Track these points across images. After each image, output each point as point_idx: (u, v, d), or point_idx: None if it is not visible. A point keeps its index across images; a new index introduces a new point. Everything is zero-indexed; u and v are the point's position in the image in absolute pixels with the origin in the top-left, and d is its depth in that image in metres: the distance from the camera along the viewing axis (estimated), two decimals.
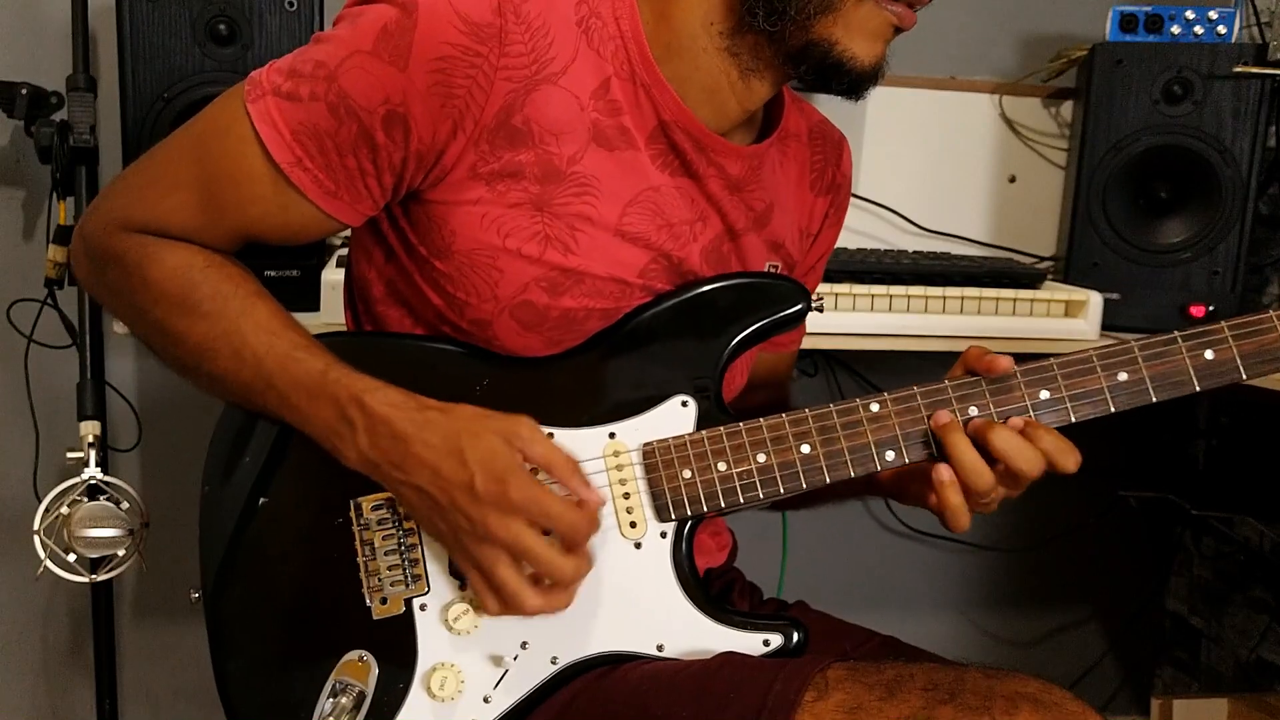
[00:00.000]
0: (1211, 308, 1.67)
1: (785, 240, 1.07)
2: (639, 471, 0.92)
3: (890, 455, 0.90)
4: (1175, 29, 1.69)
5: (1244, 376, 0.89)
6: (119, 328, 1.36)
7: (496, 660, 0.90)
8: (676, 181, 0.96)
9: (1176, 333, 0.89)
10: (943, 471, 0.88)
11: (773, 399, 0.92)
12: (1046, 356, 0.90)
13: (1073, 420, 0.89)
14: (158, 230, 0.91)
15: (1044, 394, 0.90)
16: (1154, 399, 0.89)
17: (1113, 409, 0.89)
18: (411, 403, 0.86)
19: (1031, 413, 0.89)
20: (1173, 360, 0.89)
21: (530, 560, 0.84)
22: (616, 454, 0.92)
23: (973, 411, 0.90)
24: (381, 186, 0.89)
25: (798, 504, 1.11)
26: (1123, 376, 0.89)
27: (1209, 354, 0.89)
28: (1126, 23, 1.71)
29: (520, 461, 0.84)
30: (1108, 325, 1.60)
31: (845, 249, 1.70)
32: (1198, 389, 0.89)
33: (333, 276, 1.39)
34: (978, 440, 0.88)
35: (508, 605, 0.85)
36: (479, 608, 0.89)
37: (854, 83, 0.91)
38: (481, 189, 0.89)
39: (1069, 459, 0.87)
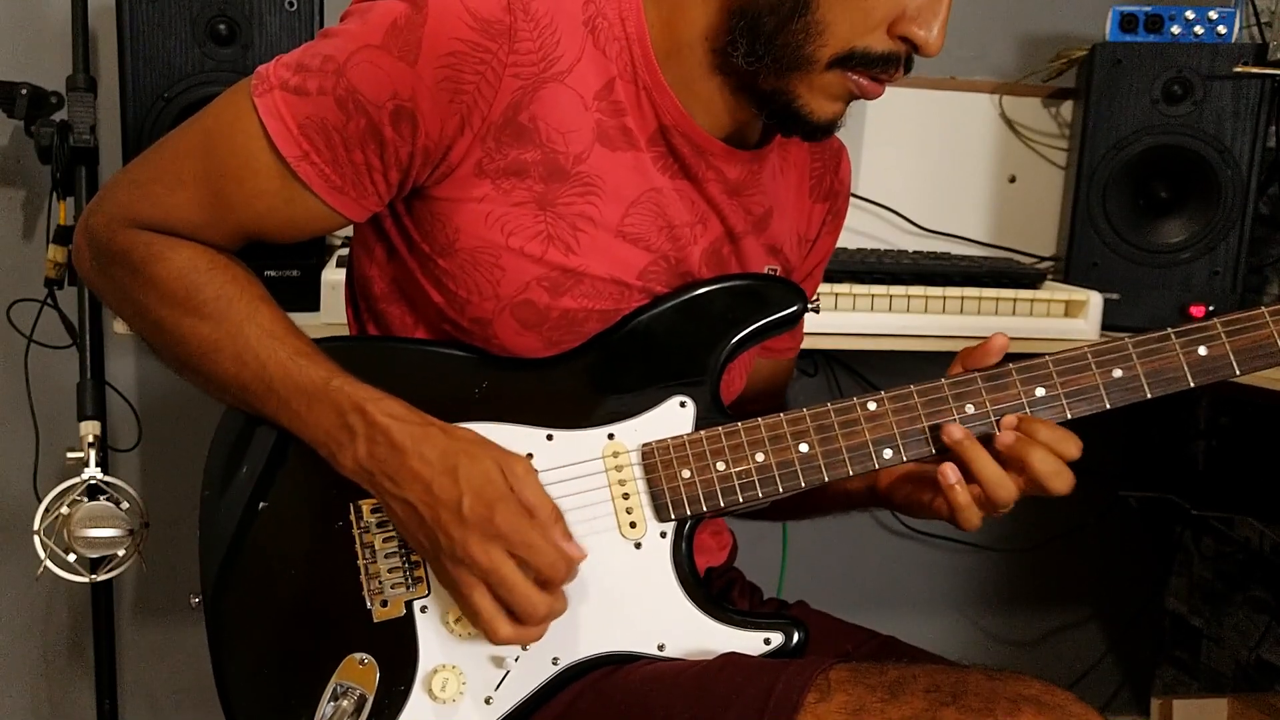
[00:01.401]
0: (1211, 308, 1.67)
1: (784, 245, 1.07)
2: (638, 472, 0.92)
3: (888, 454, 0.91)
4: (1175, 29, 1.69)
5: (1237, 372, 0.89)
6: (119, 327, 1.36)
7: (498, 661, 0.90)
8: (676, 184, 0.96)
9: (1170, 329, 0.90)
10: (949, 474, 0.88)
11: (770, 408, 0.93)
12: (1043, 355, 0.91)
13: (1069, 417, 0.90)
14: (163, 226, 0.91)
15: (1039, 391, 0.90)
16: (1149, 395, 0.89)
17: (1108, 405, 0.90)
18: (414, 416, 0.86)
19: (1028, 410, 0.90)
20: (1167, 357, 0.89)
21: (504, 590, 0.83)
22: (616, 454, 0.92)
23: (969, 409, 0.90)
24: (388, 182, 0.89)
25: (800, 513, 1.11)
26: (1117, 373, 0.89)
27: (1202, 350, 0.89)
28: (1126, 23, 1.70)
29: (511, 492, 0.84)
30: (1108, 325, 1.60)
31: (845, 249, 1.70)
32: (1192, 385, 0.89)
33: (333, 276, 1.39)
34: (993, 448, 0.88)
35: (480, 630, 0.86)
36: None
37: (809, 133, 0.94)
38: (487, 186, 0.89)
39: (1070, 445, 0.88)
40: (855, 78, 0.89)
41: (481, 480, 0.83)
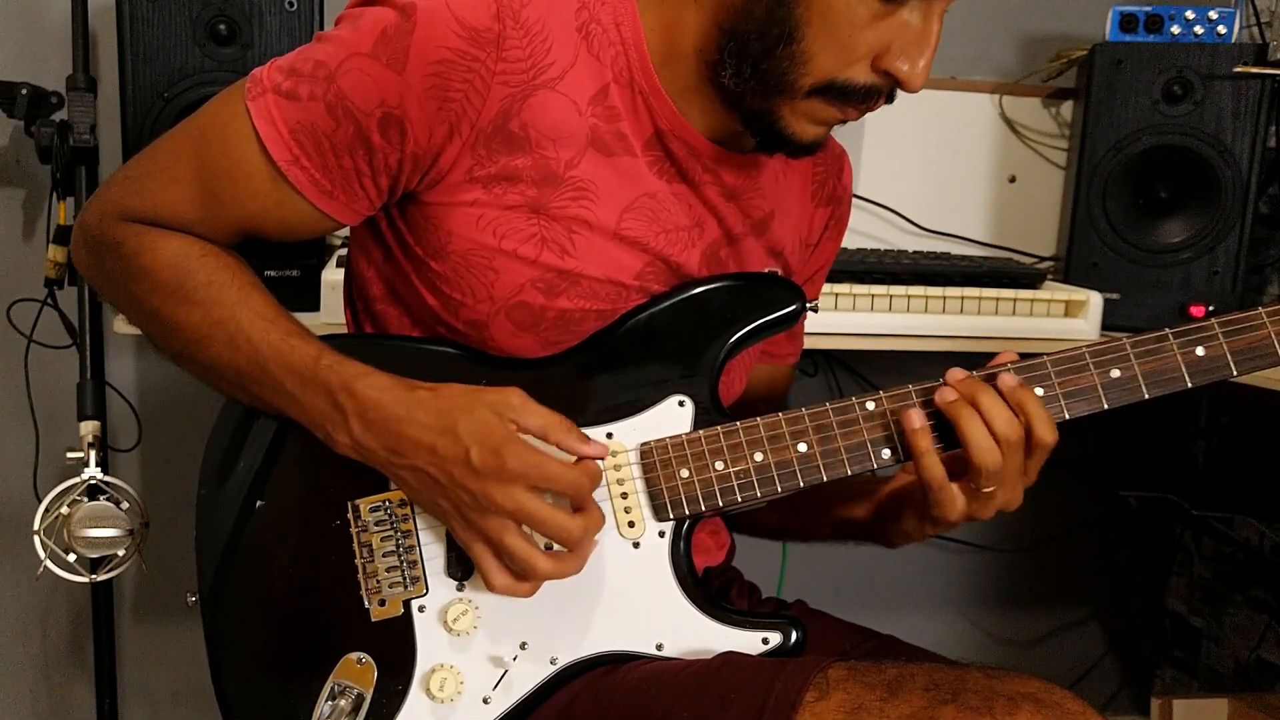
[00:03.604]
0: (1211, 308, 1.67)
1: (785, 248, 1.07)
2: (636, 471, 0.92)
3: (886, 453, 0.91)
4: (1175, 29, 1.69)
5: (1235, 373, 0.89)
6: (119, 327, 1.36)
7: (496, 661, 0.90)
8: (673, 188, 0.96)
9: (1168, 330, 0.90)
10: (914, 419, 0.87)
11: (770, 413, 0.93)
12: (1041, 355, 0.91)
13: (1066, 417, 0.89)
14: (156, 221, 0.92)
15: (1038, 391, 0.90)
16: (1146, 396, 0.89)
17: (1106, 406, 0.90)
18: (400, 385, 0.86)
19: None
20: (1164, 357, 0.89)
21: (537, 524, 0.83)
22: (614, 454, 0.92)
23: None
24: (377, 187, 0.90)
25: (806, 535, 1.11)
26: (1115, 373, 0.89)
27: (1200, 351, 0.89)
28: (1126, 23, 1.70)
29: (514, 431, 0.84)
30: (1108, 325, 1.59)
31: (845, 249, 1.68)
32: (1189, 385, 0.89)
33: (333, 276, 1.39)
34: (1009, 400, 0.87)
35: (520, 573, 0.85)
36: (485, 588, 0.87)
37: (791, 152, 0.94)
38: (478, 191, 0.90)
39: (1048, 430, 0.87)
40: (839, 106, 0.90)
41: (482, 430, 0.83)
